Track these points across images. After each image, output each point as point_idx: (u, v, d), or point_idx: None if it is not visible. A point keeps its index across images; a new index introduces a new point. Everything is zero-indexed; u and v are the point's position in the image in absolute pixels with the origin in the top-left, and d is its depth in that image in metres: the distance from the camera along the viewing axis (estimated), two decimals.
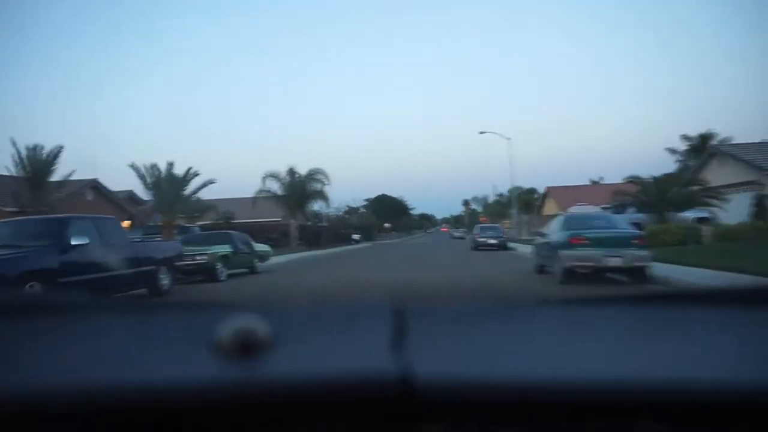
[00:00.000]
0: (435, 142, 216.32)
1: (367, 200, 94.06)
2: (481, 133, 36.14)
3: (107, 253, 9.10)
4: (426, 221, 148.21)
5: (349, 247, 40.97)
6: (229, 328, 0.61)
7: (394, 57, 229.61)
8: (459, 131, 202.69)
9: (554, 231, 11.39)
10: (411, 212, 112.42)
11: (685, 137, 35.23)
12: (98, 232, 9.20)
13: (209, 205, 38.24)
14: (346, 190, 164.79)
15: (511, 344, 0.71)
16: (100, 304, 1.12)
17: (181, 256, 11.73)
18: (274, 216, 40.10)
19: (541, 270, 12.60)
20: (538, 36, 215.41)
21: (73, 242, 8.35)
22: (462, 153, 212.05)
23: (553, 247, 10.78)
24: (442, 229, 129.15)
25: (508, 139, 35.65)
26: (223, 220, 38.01)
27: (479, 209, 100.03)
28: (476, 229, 28.75)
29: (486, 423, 0.56)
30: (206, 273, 13.26)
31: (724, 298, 0.86)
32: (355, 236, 54.67)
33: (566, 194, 45.95)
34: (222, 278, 13.66)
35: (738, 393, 0.56)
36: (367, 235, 67.46)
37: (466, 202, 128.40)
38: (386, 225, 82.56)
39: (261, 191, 35.17)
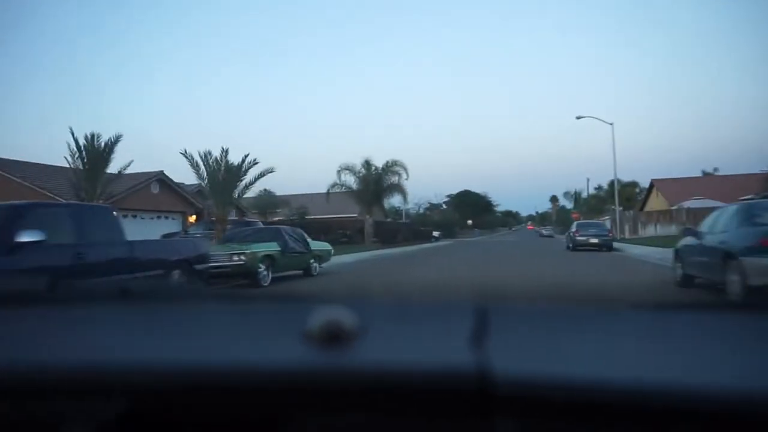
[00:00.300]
0: (522, 135, 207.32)
1: (449, 196, 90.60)
2: (578, 118, 31.55)
3: (84, 254, 6.58)
4: (510, 218, 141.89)
5: (428, 245, 37.85)
6: (319, 318, 0.65)
7: (478, 45, 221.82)
8: (547, 124, 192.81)
9: (723, 227, 7.62)
10: (495, 209, 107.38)
11: None
12: (74, 226, 6.68)
13: (283, 200, 36.68)
14: (428, 186, 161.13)
15: (594, 346, 0.69)
16: (203, 293, 1.23)
17: (205, 257, 9.13)
18: (350, 211, 37.81)
19: (687, 282, 8.84)
20: (637, 16, 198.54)
21: (23, 239, 5.84)
22: (551, 147, 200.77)
23: (725, 252, 7.06)
24: (528, 227, 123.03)
25: (610, 124, 30.90)
26: (297, 215, 36.17)
27: (569, 205, 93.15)
28: (575, 226, 24.35)
29: (562, 421, 0.56)
30: (245, 276, 10.67)
31: None
32: (435, 234, 51.46)
33: (676, 187, 40.22)
34: (265, 283, 11.03)
35: None
36: (449, 232, 64.02)
37: (553, 198, 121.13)
38: (468, 222, 78.52)
39: (335, 185, 32.80)
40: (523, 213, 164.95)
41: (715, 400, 0.54)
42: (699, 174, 47.65)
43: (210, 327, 0.85)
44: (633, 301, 0.89)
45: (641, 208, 42.44)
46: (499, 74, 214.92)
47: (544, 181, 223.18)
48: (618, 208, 32.32)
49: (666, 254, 19.29)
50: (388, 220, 45.21)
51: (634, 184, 43.62)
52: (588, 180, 50.82)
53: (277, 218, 35.44)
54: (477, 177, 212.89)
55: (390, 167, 33.00)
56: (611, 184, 39.81)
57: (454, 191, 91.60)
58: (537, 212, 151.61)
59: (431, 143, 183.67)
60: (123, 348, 0.72)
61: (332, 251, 15.23)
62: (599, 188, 43.30)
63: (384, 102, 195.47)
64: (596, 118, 31.33)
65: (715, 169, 48.34)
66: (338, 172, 33.15)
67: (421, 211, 77.01)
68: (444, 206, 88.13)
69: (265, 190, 38.25)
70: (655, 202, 40.95)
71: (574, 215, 53.80)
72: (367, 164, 32.86)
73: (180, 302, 1.03)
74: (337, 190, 33.37)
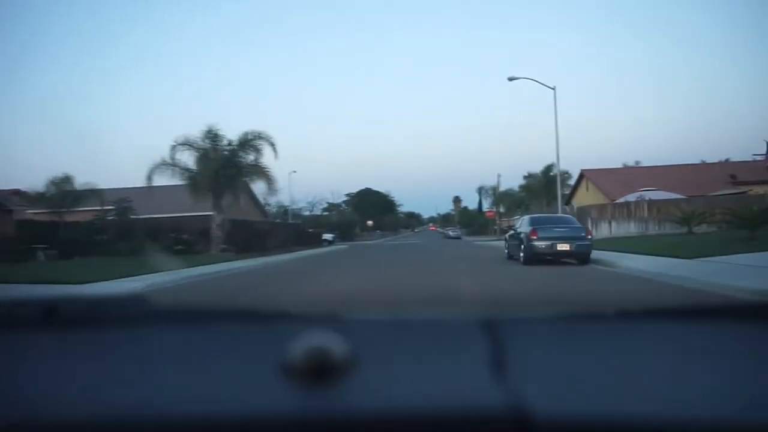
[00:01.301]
0: (426, 133, 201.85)
1: (348, 195, 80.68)
2: (511, 79, 22.59)
3: None
4: (413, 220, 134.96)
5: (312, 252, 27.43)
6: (299, 347, 0.50)
7: (383, 34, 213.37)
8: (452, 122, 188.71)
9: None
10: (397, 209, 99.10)
11: None
12: None
13: (92, 193, 24.16)
14: (326, 183, 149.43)
15: (638, 369, 0.56)
16: (146, 311, 0.79)
17: None
18: (207, 209, 26.43)
19: None
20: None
21: None
22: (457, 145, 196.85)
23: None
24: (430, 228, 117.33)
25: (552, 88, 22.18)
26: (117, 212, 24.12)
27: (472, 206, 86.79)
28: (526, 223, 13.86)
29: None
30: None
31: None
32: (328, 236, 41.08)
33: (609, 178, 32.77)
34: None
35: None
36: (346, 234, 53.97)
37: (456, 199, 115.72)
38: (369, 223, 68.98)
39: (162, 165, 21.19)
40: (425, 214, 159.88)
41: None
42: (620, 166, 41.20)
43: (152, 362, 0.61)
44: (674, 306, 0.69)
45: (567, 202, 34.79)
46: (405, 65, 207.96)
47: (445, 183, 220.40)
48: (545, 203, 23.55)
49: (697, 269, 10.42)
50: (262, 220, 34.20)
51: (565, 175, 35.72)
52: (499, 176, 43.21)
53: (76, 219, 23.16)
54: (378, 176, 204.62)
55: (249, 141, 21.99)
56: (545, 171, 31.85)
57: (355, 190, 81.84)
58: (438, 213, 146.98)
59: (330, 137, 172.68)
60: (48, 392, 0.53)
61: None
62: (529, 176, 35.15)
63: (279, 94, 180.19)
64: (534, 80, 22.51)
65: (637, 162, 42.27)
66: (172, 148, 21.60)
67: (316, 210, 66.51)
68: (344, 206, 78.20)
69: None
70: (585, 196, 33.54)
71: (488, 214, 46.08)
72: (213, 136, 21.58)
73: (119, 326, 0.70)
74: (164, 177, 21.68)
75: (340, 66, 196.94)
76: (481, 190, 46.75)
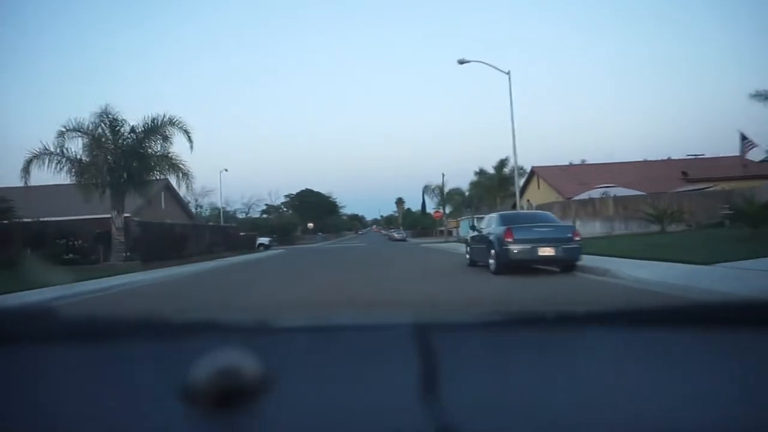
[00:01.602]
0: (369, 136, 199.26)
1: (287, 196, 76.43)
2: (462, 62, 19.89)
3: None
4: (356, 222, 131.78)
5: (241, 258, 23.75)
6: (205, 366, 0.42)
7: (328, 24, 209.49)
8: (395, 125, 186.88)
9: None
10: (340, 211, 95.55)
11: None
12: None
13: None
14: (265, 185, 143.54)
15: (583, 383, 0.51)
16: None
17: None
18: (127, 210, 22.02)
19: None
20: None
21: None
22: (399, 150, 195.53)
23: None
24: (375, 229, 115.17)
25: (507, 73, 19.64)
26: None
27: (414, 207, 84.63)
28: (492, 223, 11.42)
29: None
30: None
31: None
32: (263, 240, 37.22)
33: (561, 175, 30.89)
34: None
35: None
36: (285, 237, 50.07)
37: (399, 201, 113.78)
38: (310, 225, 65.14)
39: (42, 156, 16.90)
40: (368, 216, 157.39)
41: None
42: (566, 164, 39.66)
43: (40, 386, 0.51)
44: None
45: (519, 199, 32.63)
46: (346, 60, 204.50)
47: (389, 184, 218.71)
48: (519, 197, 21.05)
49: (744, 282, 7.81)
50: (185, 222, 29.94)
51: (521, 170, 33.40)
52: (443, 175, 40.70)
53: None
54: (319, 177, 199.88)
55: (158, 128, 18.04)
56: (499, 166, 29.46)
57: (295, 191, 77.69)
58: (382, 215, 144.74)
59: (269, 137, 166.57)
60: None
61: None
62: (481, 173, 32.35)
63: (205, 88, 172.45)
64: (487, 64, 19.92)
65: (583, 161, 40.89)
66: (60, 134, 17.31)
67: (253, 212, 61.98)
68: (283, 207, 73.98)
69: None
70: (537, 194, 31.53)
71: (435, 215, 43.60)
72: (111, 120, 17.48)
73: (7, 343, 0.58)
74: (50, 172, 17.31)
75: (277, 62, 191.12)
76: (426, 190, 44.00)
